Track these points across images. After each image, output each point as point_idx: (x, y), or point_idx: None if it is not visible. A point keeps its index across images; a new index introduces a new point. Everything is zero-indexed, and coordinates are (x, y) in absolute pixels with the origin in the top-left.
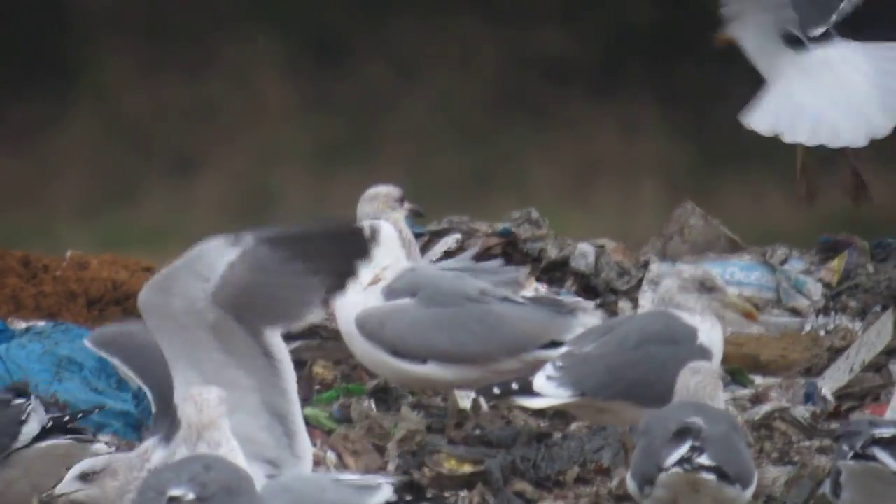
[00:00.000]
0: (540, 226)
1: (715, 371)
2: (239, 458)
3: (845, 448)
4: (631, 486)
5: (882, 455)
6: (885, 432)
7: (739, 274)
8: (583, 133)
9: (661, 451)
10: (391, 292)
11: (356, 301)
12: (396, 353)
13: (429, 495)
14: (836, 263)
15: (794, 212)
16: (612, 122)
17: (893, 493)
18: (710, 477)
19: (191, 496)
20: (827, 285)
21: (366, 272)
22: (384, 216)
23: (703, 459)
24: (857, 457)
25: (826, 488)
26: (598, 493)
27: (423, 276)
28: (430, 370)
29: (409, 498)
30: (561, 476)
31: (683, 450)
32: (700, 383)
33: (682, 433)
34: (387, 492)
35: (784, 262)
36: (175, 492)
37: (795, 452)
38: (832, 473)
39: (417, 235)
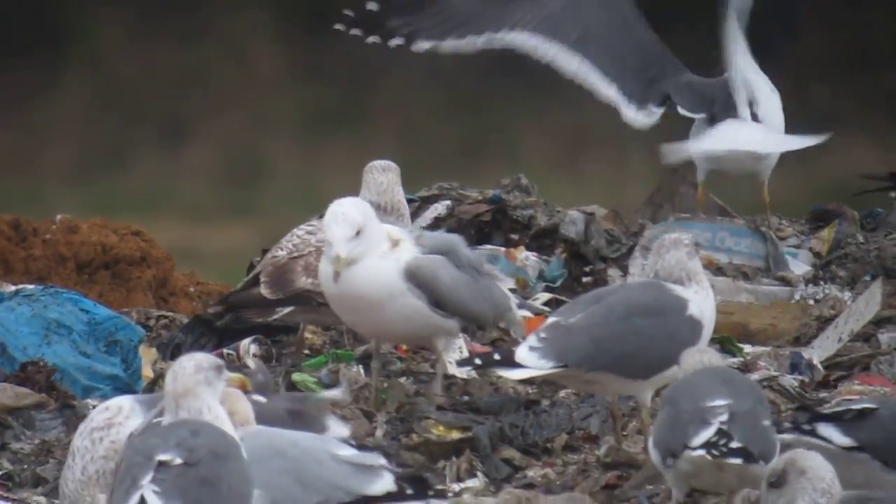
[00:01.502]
0: (529, 192)
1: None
2: (226, 427)
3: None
4: (654, 455)
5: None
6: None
7: (729, 240)
8: (574, 102)
9: (688, 429)
10: (424, 250)
11: (385, 263)
12: (438, 304)
13: (431, 492)
14: (826, 233)
15: (785, 181)
16: None
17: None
18: (737, 461)
19: (178, 461)
20: (817, 255)
21: (382, 242)
22: (396, 188)
23: (732, 444)
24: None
25: None
26: (587, 460)
27: (449, 239)
28: (451, 325)
29: (410, 491)
30: (549, 443)
31: (710, 432)
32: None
33: (711, 412)
34: (388, 481)
35: (774, 231)
36: (163, 456)
37: (784, 421)
38: None
39: (407, 202)
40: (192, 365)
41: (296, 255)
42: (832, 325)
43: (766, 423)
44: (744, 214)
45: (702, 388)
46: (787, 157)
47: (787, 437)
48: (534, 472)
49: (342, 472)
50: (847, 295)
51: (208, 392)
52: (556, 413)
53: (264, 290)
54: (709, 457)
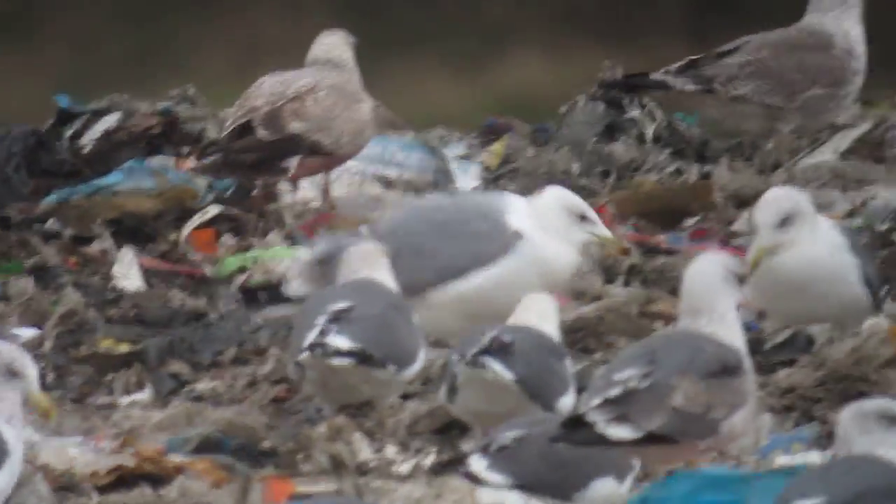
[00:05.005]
0: (195, 103)
1: None
2: None
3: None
4: (289, 368)
5: (490, 363)
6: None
7: (399, 154)
8: (247, 14)
9: (303, 333)
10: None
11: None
12: None
13: None
14: (497, 147)
15: (458, 94)
16: (277, 3)
17: (504, 397)
18: (345, 362)
19: None
20: (487, 168)
21: None
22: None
23: (338, 341)
24: (470, 363)
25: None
26: (256, 373)
27: None
28: None
29: None
30: (218, 356)
31: (314, 333)
32: None
33: (323, 315)
34: None
35: (445, 145)
36: None
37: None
38: (447, 377)
39: (77, 115)
40: None
41: (281, 101)
42: None
43: (402, 327)
44: (415, 127)
45: (329, 295)
46: (460, 69)
47: (464, 369)
48: (202, 386)
49: None
50: None
51: None
52: (224, 326)
53: (261, 133)
54: (311, 355)
